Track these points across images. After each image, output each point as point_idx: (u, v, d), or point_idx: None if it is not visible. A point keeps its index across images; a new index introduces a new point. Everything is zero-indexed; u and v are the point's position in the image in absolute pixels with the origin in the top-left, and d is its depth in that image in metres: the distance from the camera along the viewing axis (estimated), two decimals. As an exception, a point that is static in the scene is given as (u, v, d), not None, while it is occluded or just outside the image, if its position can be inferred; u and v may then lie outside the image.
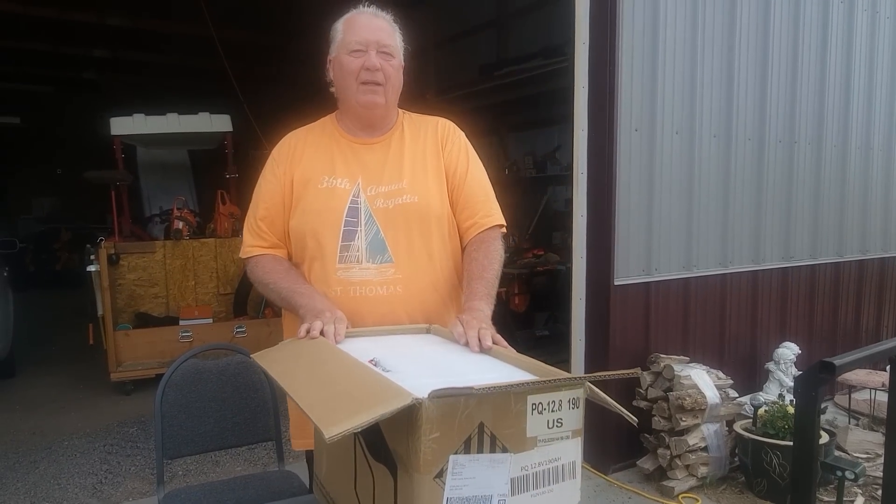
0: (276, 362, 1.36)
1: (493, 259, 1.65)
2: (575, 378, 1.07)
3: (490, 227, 1.71)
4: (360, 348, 1.36)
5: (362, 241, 1.62)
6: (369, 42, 1.61)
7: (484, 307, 1.51)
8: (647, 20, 3.15)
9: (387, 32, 1.66)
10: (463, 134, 1.80)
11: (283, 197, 1.69)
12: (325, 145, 1.72)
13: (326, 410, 1.01)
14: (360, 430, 0.92)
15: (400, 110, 1.78)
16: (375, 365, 1.23)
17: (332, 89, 1.73)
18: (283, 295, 1.61)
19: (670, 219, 3.34)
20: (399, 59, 1.68)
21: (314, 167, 1.68)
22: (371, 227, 1.63)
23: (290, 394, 1.13)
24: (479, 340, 1.35)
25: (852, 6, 4.04)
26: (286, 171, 1.70)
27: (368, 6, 1.70)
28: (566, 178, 5.08)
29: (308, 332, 1.41)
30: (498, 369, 1.25)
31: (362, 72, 1.61)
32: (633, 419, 1.17)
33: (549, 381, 1.02)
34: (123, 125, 5.65)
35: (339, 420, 0.93)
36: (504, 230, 1.76)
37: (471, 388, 0.93)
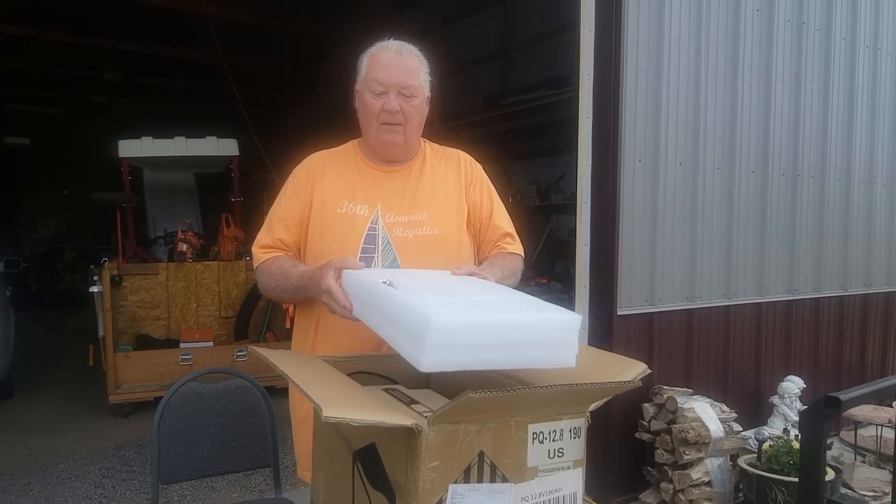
0: (280, 357, 1.33)
1: (513, 267, 1.73)
2: (573, 385, 1.05)
3: (513, 253, 1.79)
4: (379, 273, 1.44)
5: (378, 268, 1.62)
6: (390, 84, 1.63)
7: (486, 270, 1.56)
8: (651, 53, 3.19)
9: (410, 72, 1.65)
10: (481, 167, 1.85)
11: (303, 216, 1.70)
12: (346, 169, 1.74)
13: (328, 397, 1.00)
14: (357, 424, 0.91)
15: (422, 140, 1.80)
16: (389, 284, 1.25)
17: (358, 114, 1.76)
18: (287, 287, 1.62)
19: (673, 249, 3.34)
20: (421, 97, 1.69)
21: (334, 190, 1.70)
22: (388, 255, 1.63)
23: (293, 378, 1.10)
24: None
25: (854, 43, 4.08)
26: (308, 190, 1.71)
27: (394, 40, 1.69)
28: (570, 207, 5.09)
29: (335, 301, 1.42)
30: (504, 298, 1.28)
31: (382, 113, 1.64)
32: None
33: (547, 388, 1.00)
34: (131, 148, 5.70)
35: (341, 407, 0.92)
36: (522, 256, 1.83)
37: (467, 392, 0.92)
